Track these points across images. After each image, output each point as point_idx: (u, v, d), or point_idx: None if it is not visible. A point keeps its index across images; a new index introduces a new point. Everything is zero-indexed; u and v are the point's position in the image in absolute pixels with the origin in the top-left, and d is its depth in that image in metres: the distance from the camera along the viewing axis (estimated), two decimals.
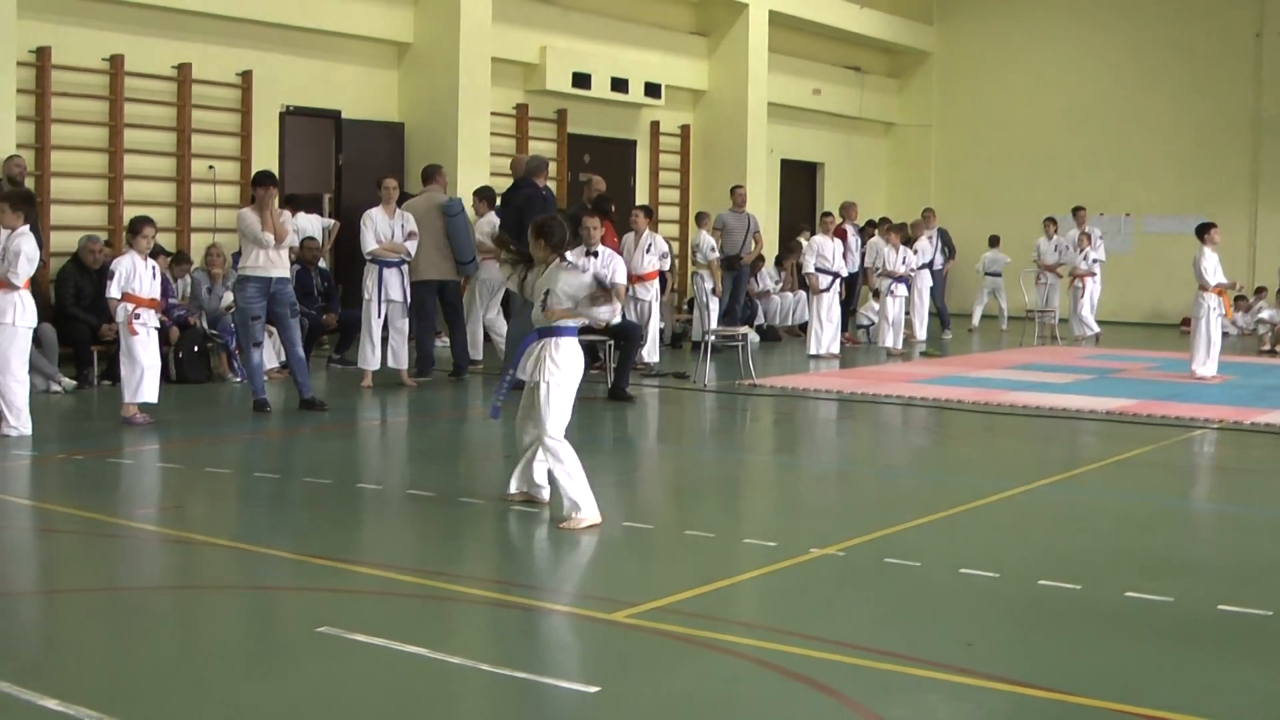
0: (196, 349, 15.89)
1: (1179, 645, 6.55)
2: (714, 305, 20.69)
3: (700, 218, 21.86)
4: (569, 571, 8.11)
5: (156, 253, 15.63)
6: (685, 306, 23.35)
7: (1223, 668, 6.23)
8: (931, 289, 24.66)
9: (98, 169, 18.11)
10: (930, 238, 25.09)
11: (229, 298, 15.93)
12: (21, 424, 11.82)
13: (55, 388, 14.60)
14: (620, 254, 16.58)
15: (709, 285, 20.66)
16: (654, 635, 6.47)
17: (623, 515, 9.29)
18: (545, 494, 9.26)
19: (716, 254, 21.01)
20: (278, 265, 13.70)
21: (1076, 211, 25.95)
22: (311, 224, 18.86)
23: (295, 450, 12.23)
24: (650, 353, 17.71)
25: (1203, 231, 17.58)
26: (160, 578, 7.81)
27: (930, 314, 24.55)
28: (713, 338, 18.09)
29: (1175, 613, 7.07)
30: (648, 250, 18.11)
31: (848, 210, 23.93)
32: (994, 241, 28.47)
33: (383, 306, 15.65)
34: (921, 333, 23.73)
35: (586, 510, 8.76)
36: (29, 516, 9.26)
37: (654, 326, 18.09)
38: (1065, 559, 8.18)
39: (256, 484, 10.50)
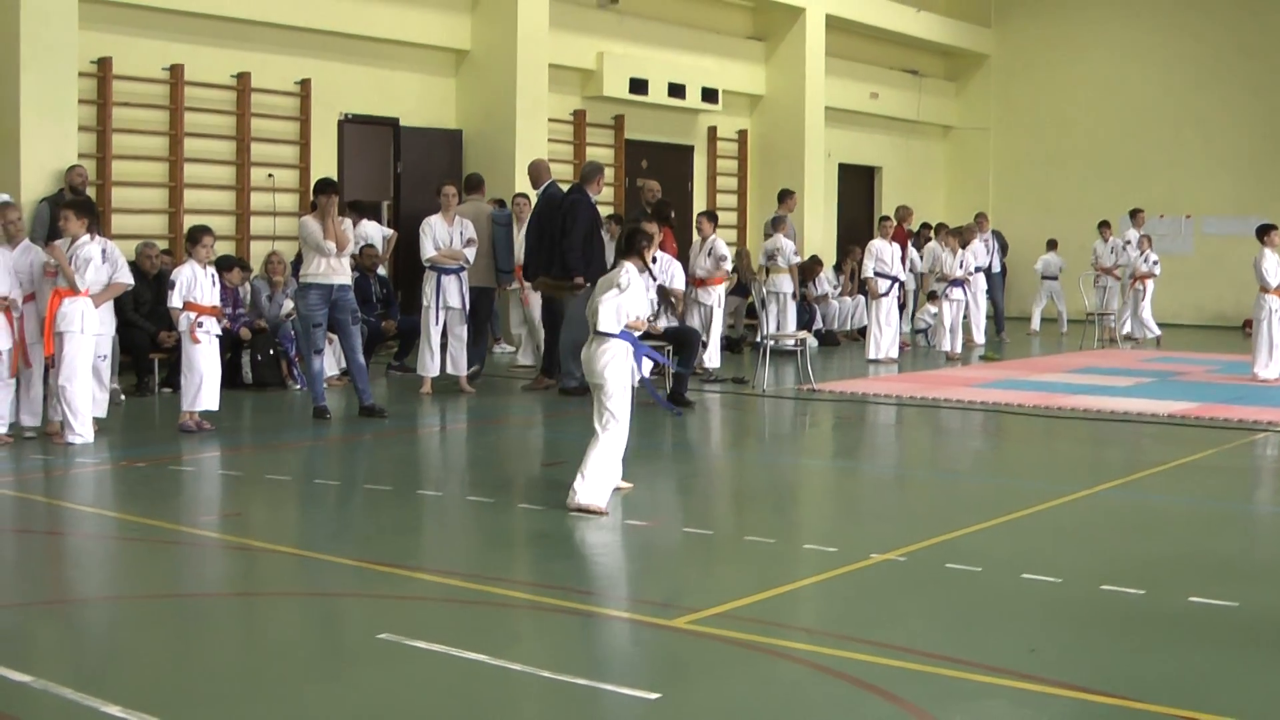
0: (271, 352, 15.95)
1: (1243, 651, 6.48)
2: (791, 309, 20.83)
3: (778, 222, 21.80)
4: (628, 577, 8.10)
5: (230, 264, 15.79)
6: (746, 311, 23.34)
7: None
8: (989, 291, 24.56)
9: (158, 178, 18.26)
10: (985, 241, 24.95)
11: (289, 305, 16.01)
12: (85, 432, 11.92)
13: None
14: (681, 260, 16.62)
15: (789, 289, 20.77)
16: (714, 641, 6.46)
17: (682, 521, 9.30)
18: None
19: (799, 258, 21.12)
20: (339, 272, 13.76)
21: (1135, 214, 25.82)
22: (375, 231, 18.97)
23: (355, 457, 12.28)
24: (711, 358, 17.68)
25: (1263, 233, 17.43)
26: (222, 584, 7.85)
27: (987, 317, 24.45)
28: (773, 342, 18.08)
29: (1240, 618, 7.00)
30: (708, 255, 18.09)
31: (903, 215, 23.86)
32: (1052, 245, 28.30)
33: (441, 313, 15.69)
34: (979, 336, 23.60)
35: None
36: (92, 524, 9.33)
37: (716, 331, 18.05)
38: (1128, 564, 8.12)
39: (317, 490, 10.55)
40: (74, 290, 11.93)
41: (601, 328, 9.44)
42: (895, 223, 22.46)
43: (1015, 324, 27.22)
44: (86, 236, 12.13)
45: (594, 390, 9.52)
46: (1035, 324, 27.77)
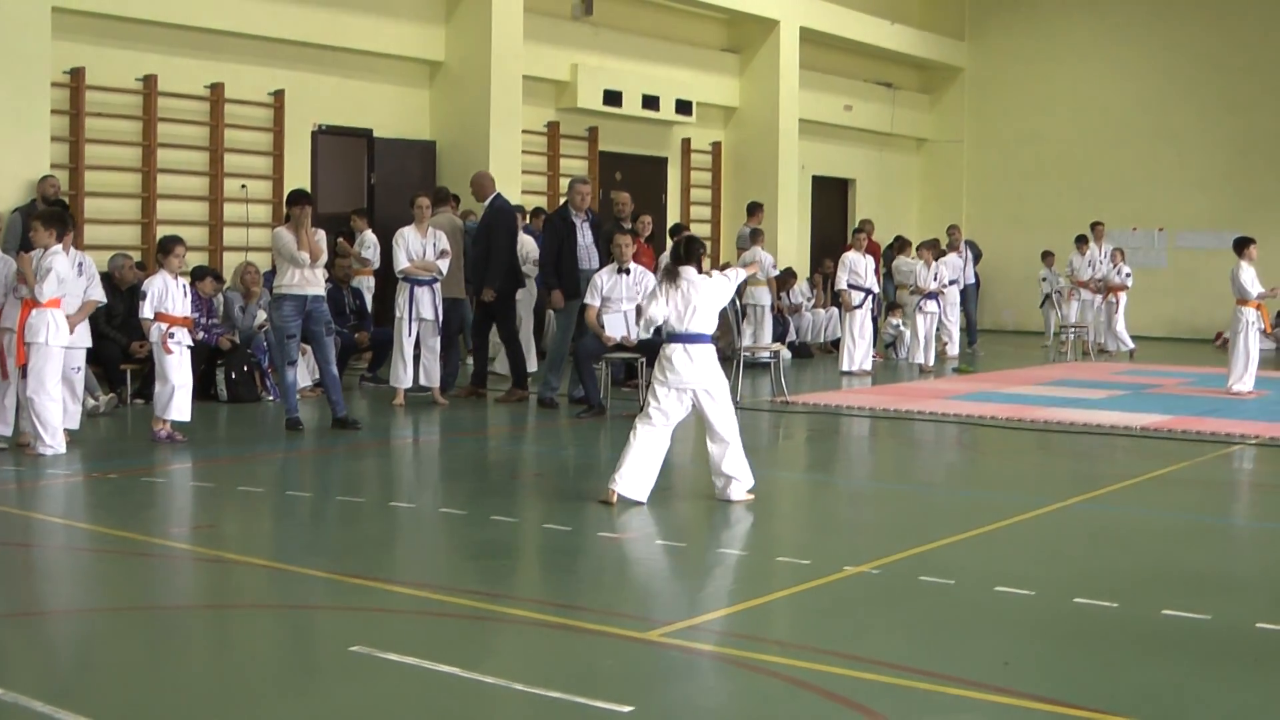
0: (246, 368, 15.88)
1: (1217, 664, 6.49)
2: (768, 321, 20.91)
3: (756, 234, 21.81)
4: (602, 590, 8.07)
5: (203, 274, 15.77)
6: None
7: (1261, 687, 6.17)
8: (962, 303, 24.60)
9: (131, 189, 18.20)
10: (960, 253, 25.01)
11: (262, 316, 15.97)
12: (56, 443, 11.86)
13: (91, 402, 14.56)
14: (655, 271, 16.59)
15: (767, 301, 20.85)
16: (688, 654, 6.45)
17: (656, 533, 9.28)
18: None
19: (777, 271, 21.19)
20: (313, 284, 13.73)
21: (1094, 227, 25.97)
22: (374, 245, 18.95)
23: (328, 469, 12.24)
24: None
25: (1241, 246, 17.43)
26: (194, 597, 7.81)
27: (960, 329, 24.50)
28: (748, 354, 18.08)
29: (1213, 631, 7.02)
30: None
31: (866, 230, 23.91)
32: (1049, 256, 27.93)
33: (414, 325, 15.65)
34: (954, 349, 23.64)
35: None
36: (63, 535, 9.28)
37: None
38: (1101, 577, 8.13)
39: (290, 503, 10.52)
40: (35, 301, 11.86)
41: (697, 329, 10.22)
42: (867, 236, 22.47)
43: (989, 336, 27.22)
44: (57, 247, 12.05)
45: (703, 396, 10.23)
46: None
